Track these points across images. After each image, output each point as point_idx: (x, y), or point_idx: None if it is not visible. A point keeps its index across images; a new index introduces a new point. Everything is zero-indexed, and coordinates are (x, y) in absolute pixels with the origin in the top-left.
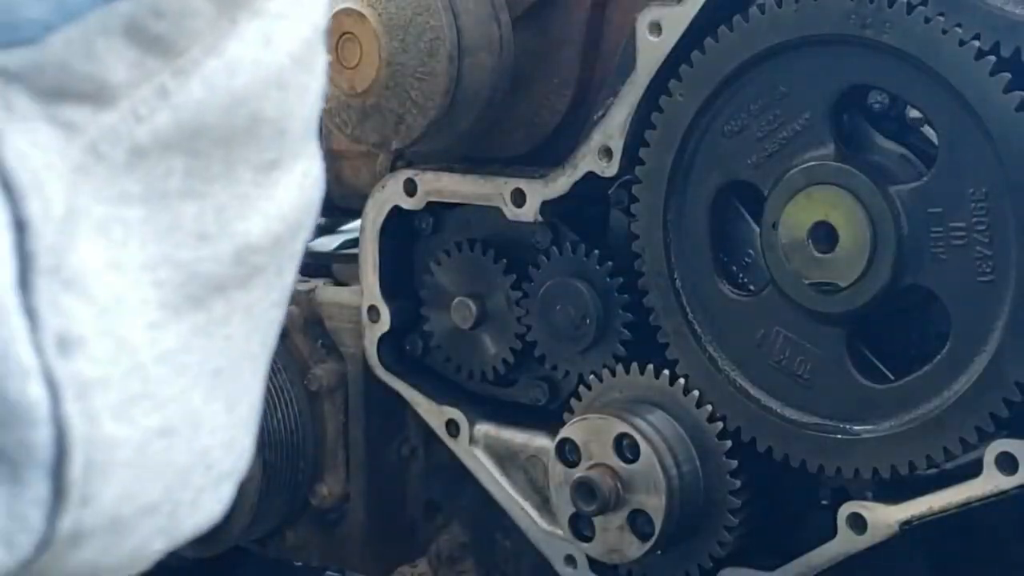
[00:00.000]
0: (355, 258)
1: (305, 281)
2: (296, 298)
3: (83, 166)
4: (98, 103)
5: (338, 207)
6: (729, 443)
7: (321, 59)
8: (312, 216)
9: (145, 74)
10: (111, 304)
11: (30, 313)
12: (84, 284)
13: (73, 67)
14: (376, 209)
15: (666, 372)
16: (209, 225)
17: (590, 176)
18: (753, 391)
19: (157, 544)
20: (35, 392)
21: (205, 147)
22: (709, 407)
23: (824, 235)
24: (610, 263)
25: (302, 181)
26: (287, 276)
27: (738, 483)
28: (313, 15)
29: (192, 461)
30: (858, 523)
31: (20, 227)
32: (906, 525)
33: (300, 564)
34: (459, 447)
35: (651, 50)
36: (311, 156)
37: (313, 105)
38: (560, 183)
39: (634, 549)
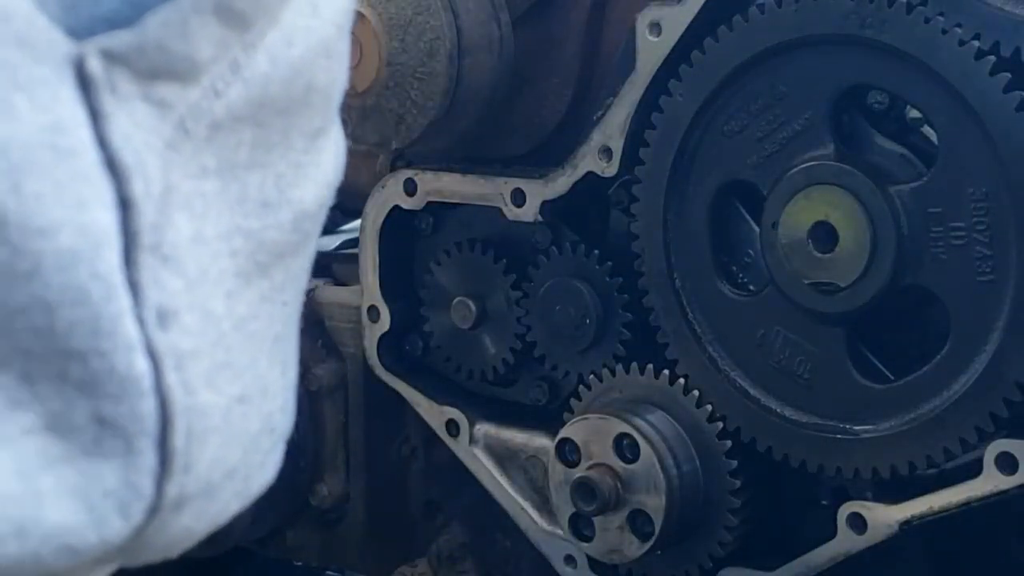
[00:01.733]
0: (355, 258)
1: None
2: None
3: (173, 142)
4: (186, 80)
5: (338, 207)
6: (729, 443)
7: (350, 25)
8: (339, 180)
9: (224, 50)
10: (197, 277)
11: (134, 289)
12: (178, 259)
13: (169, 47)
14: (376, 209)
15: (666, 372)
16: (271, 193)
17: (590, 176)
18: (753, 391)
19: (234, 506)
20: (140, 365)
21: (268, 118)
22: (709, 407)
23: (824, 235)
24: (610, 263)
25: (336, 147)
26: (315, 240)
27: (738, 483)
28: None
29: (261, 425)
30: (858, 523)
31: (125, 206)
32: (906, 525)
33: (300, 564)
34: (459, 447)
35: (651, 50)
36: (339, 121)
37: (347, 71)
38: (560, 183)
39: (634, 549)
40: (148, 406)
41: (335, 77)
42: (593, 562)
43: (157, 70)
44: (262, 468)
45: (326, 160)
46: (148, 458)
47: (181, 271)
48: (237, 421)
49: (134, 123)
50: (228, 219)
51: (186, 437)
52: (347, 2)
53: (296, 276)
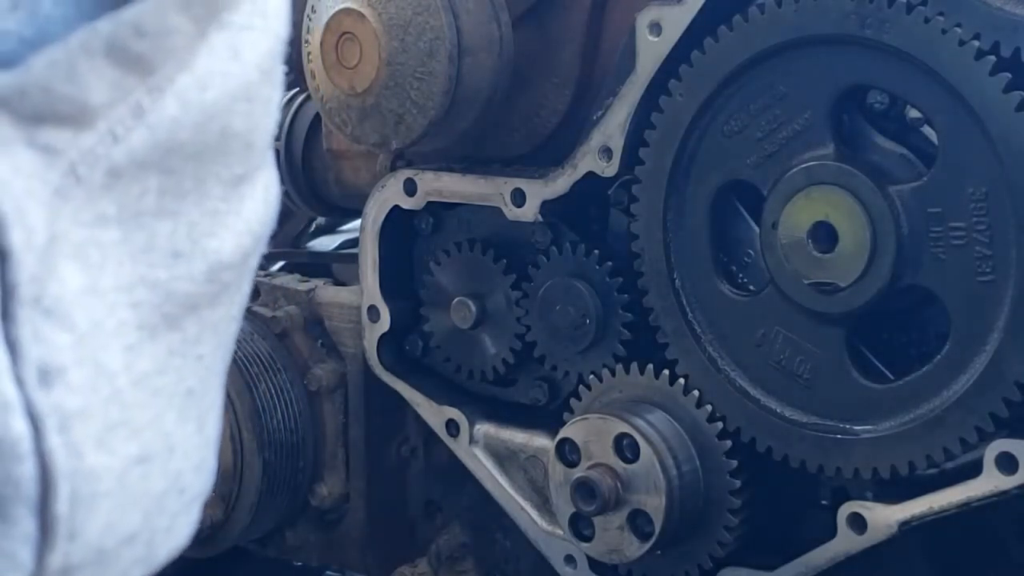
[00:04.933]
0: (355, 258)
1: (305, 281)
2: (296, 298)
3: (62, 190)
4: (78, 125)
5: (338, 207)
6: (729, 443)
7: (281, 70)
8: (270, 229)
9: (123, 93)
10: (89, 330)
11: (11, 345)
12: (64, 312)
13: (55, 90)
14: (376, 209)
15: (666, 372)
16: (182, 243)
17: (590, 176)
18: (753, 391)
19: (136, 574)
20: (18, 426)
21: (178, 164)
22: (709, 407)
23: (824, 235)
24: (610, 263)
25: (265, 195)
26: (246, 290)
27: (738, 483)
28: (275, 25)
29: (167, 486)
30: (858, 523)
31: (3, 257)
32: (906, 525)
33: (300, 564)
34: (459, 447)
35: (651, 50)
36: (271, 167)
37: (275, 117)
38: (560, 183)
39: (634, 549)
40: (26, 470)
41: (258, 123)
42: (593, 562)
43: (42, 114)
44: (170, 532)
45: (249, 209)
46: (26, 525)
47: (68, 325)
48: (136, 483)
49: (14, 169)
50: (131, 269)
51: (70, 503)
52: (273, 47)
53: (216, 328)
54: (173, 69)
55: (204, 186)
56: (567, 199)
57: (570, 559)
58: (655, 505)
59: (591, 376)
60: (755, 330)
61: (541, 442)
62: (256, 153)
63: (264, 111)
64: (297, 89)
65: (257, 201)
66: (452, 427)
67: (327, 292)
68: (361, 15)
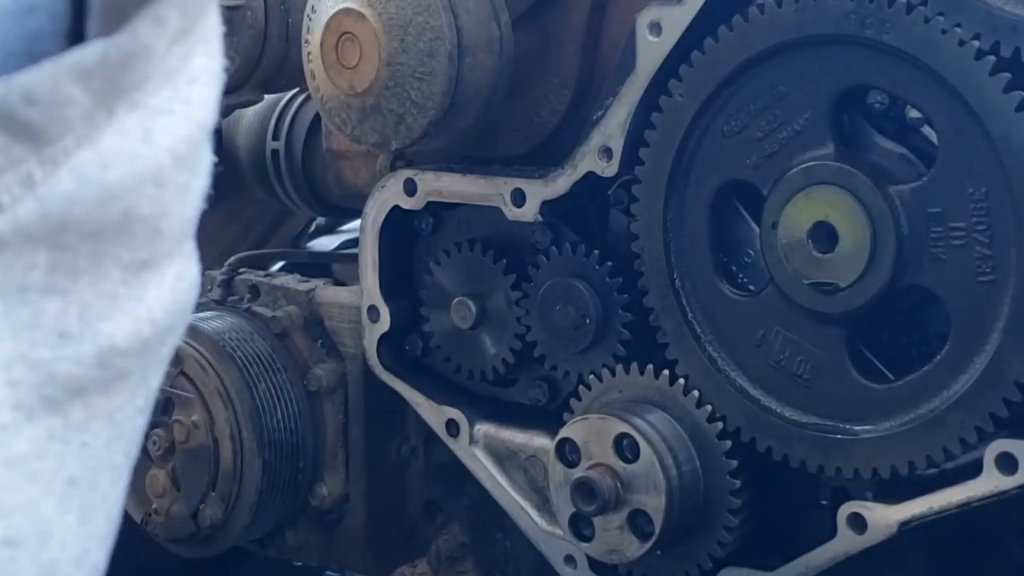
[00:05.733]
0: (355, 258)
1: (305, 281)
2: (296, 298)
3: None
4: None
5: (338, 207)
6: (729, 443)
7: (206, 158)
8: (184, 320)
9: (10, 161)
10: None
11: None
12: None
13: None
14: (376, 209)
15: (666, 372)
16: (72, 324)
17: (590, 176)
18: (753, 391)
19: None
20: None
21: (72, 241)
22: (709, 407)
23: (824, 235)
24: (610, 263)
25: (175, 284)
26: (153, 382)
27: (738, 483)
28: (199, 112)
29: (36, 574)
30: (858, 523)
31: None
32: (906, 525)
33: (300, 564)
34: (459, 447)
35: (651, 50)
36: (187, 257)
37: (194, 206)
38: (560, 183)
39: (634, 549)
40: None
41: (169, 209)
42: (593, 562)
43: None
44: None
45: (153, 296)
46: None
47: None
48: (0, 566)
49: None
50: (11, 346)
51: None
52: (192, 133)
53: (111, 418)
54: (72, 143)
55: (101, 267)
56: (567, 199)
57: (570, 559)
58: (655, 505)
59: (591, 376)
60: (755, 330)
61: (541, 442)
62: (166, 240)
63: (177, 198)
64: (297, 89)
65: (164, 289)
66: (452, 427)
67: (327, 292)
68: (361, 15)
